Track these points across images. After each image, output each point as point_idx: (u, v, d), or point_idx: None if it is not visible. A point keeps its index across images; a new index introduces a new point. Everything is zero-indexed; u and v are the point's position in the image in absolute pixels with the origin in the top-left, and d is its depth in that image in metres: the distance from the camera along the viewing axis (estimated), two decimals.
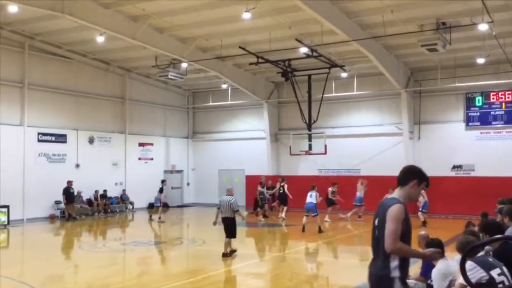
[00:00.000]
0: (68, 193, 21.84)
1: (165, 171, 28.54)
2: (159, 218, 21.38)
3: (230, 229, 12.68)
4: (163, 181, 23.14)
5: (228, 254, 12.71)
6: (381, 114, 24.92)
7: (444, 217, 21.80)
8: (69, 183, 21.96)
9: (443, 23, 17.03)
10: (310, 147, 22.31)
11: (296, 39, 18.47)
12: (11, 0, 15.54)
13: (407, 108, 23.37)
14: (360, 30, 18.06)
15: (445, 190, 22.67)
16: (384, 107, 24.82)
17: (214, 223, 13.23)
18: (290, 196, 21.48)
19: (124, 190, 25.58)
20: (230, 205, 12.62)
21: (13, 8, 16.19)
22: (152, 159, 27.61)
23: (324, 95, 22.72)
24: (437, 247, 6.03)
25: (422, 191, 18.88)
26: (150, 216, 21.98)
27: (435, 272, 6.00)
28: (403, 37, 18.62)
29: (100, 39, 18.87)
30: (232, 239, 12.80)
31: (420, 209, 19.43)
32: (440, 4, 16.05)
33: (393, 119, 24.35)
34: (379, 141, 24.56)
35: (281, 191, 22.03)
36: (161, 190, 22.11)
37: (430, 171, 23.24)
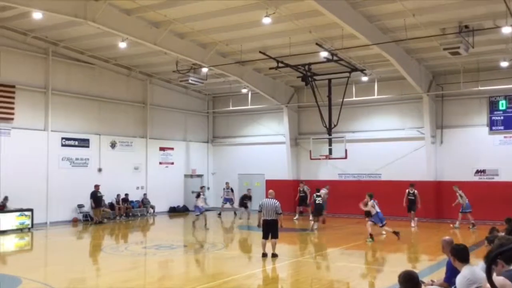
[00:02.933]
0: (95, 197, 22.08)
1: (185, 176, 28.72)
2: (204, 226, 20.30)
3: (274, 231, 13.16)
4: (201, 187, 23.73)
5: (274, 255, 13.07)
6: (403, 118, 24.68)
7: (467, 223, 21.42)
8: (96, 187, 22.21)
9: (466, 26, 16.83)
10: (330, 151, 22.20)
11: (317, 43, 18.44)
12: (35, 7, 15.87)
13: (429, 112, 23.12)
14: (381, 34, 17.95)
15: (468, 195, 22.20)
16: (405, 111, 24.58)
17: (259, 226, 13.53)
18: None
19: (145, 194, 25.81)
20: (276, 208, 13.06)
21: (37, 15, 16.55)
22: (172, 163, 27.81)
23: (345, 99, 22.59)
24: (462, 252, 5.95)
25: (461, 192, 18.56)
26: (193, 222, 20.84)
27: (460, 279, 5.88)
28: (425, 41, 18.46)
29: (122, 45, 19.12)
30: (273, 240, 13.21)
31: (462, 210, 20.00)
32: (462, 7, 15.87)
33: (415, 123, 24.11)
34: (401, 146, 24.33)
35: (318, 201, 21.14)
36: (198, 195, 21.31)
37: (453, 176, 23.28)
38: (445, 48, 17.32)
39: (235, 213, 25.10)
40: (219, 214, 25.38)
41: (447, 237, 7.47)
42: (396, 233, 16.73)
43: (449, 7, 15.80)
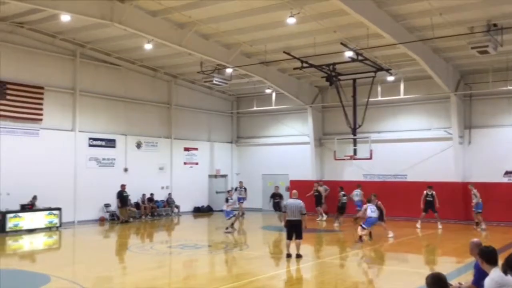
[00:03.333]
0: (122, 196, 22.40)
1: (210, 176, 28.87)
2: (231, 227, 19.35)
3: (298, 231, 13.15)
4: (229, 191, 22.92)
5: (298, 256, 13.05)
6: (429, 118, 24.31)
7: (495, 225, 21.02)
8: (123, 186, 22.52)
9: (494, 25, 16.51)
10: (355, 152, 22.04)
11: (341, 43, 18.31)
12: (63, 10, 16.18)
13: (456, 112, 22.71)
14: (407, 33, 17.73)
15: (497, 196, 21.88)
16: (432, 111, 24.21)
17: (285, 226, 13.52)
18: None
19: (170, 194, 26.04)
20: (300, 208, 13.10)
21: (65, 17, 16.87)
22: (197, 163, 27.99)
23: (370, 99, 22.38)
24: (491, 255, 5.82)
25: (476, 191, 18.74)
26: (227, 228, 19.53)
27: (488, 282, 5.76)
28: (452, 40, 18.16)
29: (148, 46, 19.34)
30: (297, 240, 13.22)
31: (474, 209, 19.99)
32: (491, 5, 15.58)
33: (442, 123, 23.72)
34: (427, 146, 23.98)
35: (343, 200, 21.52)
36: (226, 200, 20.37)
37: (481, 177, 22.85)
38: (473, 47, 16.99)
39: (243, 214, 23.95)
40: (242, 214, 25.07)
41: (475, 239, 7.32)
42: (360, 237, 16.29)
43: (477, 5, 15.52)
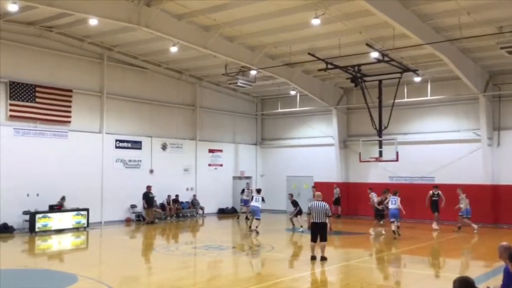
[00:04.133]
0: (147, 197, 22.64)
1: (234, 177, 28.95)
2: (255, 227, 19.50)
3: (323, 233, 13.13)
4: (258, 190, 21.81)
5: (323, 258, 13.04)
6: (458, 119, 23.88)
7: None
8: (149, 188, 22.77)
9: None
10: (380, 153, 21.78)
11: (367, 44, 18.15)
12: (91, 14, 16.47)
13: (485, 113, 22.26)
14: (434, 33, 17.47)
15: None
16: (460, 112, 23.79)
17: (309, 228, 13.53)
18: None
19: (194, 195, 26.20)
20: (326, 210, 13.10)
21: (93, 21, 17.17)
22: (221, 165, 28.11)
23: (396, 101, 22.10)
24: None
25: (464, 196, 19.07)
26: (254, 227, 19.83)
27: None
28: (480, 40, 17.81)
29: (173, 49, 19.51)
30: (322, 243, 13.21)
31: (461, 214, 19.85)
32: None
33: (471, 124, 23.27)
34: (455, 148, 23.55)
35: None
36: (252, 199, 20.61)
37: (511, 179, 22.25)
38: (502, 47, 16.65)
39: (247, 218, 23.26)
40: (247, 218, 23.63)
41: (504, 243, 7.16)
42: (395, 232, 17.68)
43: (506, 4, 15.18)
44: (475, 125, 23.01)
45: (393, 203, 17.89)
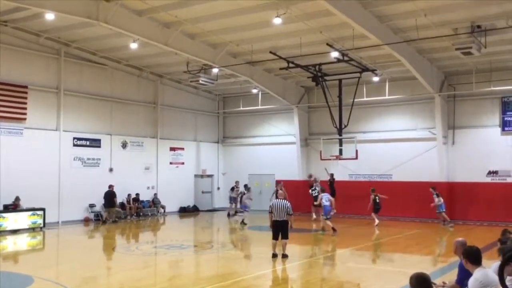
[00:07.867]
0: (110, 196, 22.27)
1: (196, 176, 28.79)
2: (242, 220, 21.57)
3: (284, 231, 13.22)
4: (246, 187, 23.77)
5: (284, 256, 13.11)
6: (414, 118, 24.53)
7: (479, 224, 21.30)
8: (111, 186, 22.40)
9: (478, 26, 16.69)
10: (341, 152, 22.12)
11: (327, 44, 18.40)
12: (48, 8, 16.01)
13: (441, 112, 22.95)
14: (392, 34, 17.86)
15: (480, 196, 22.23)
16: (417, 111, 24.43)
17: (271, 226, 13.47)
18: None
19: (155, 194, 25.90)
20: (287, 209, 13.15)
21: (49, 16, 16.71)
22: (183, 163, 27.89)
23: (355, 100, 22.52)
24: (475, 255, 5.89)
25: (436, 194, 19.64)
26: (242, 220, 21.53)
27: (472, 281, 5.82)
28: (436, 41, 18.34)
29: (134, 45, 19.23)
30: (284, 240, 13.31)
31: (437, 210, 20.95)
32: (475, 7, 15.75)
33: (427, 123, 23.94)
34: (412, 146, 24.18)
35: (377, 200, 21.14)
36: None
37: (465, 177, 23.12)
38: (457, 48, 17.20)
39: (235, 213, 24.78)
40: (234, 214, 25.13)
41: (460, 239, 7.37)
42: (334, 229, 18.38)
43: (461, 6, 15.69)
44: (431, 124, 23.68)
45: (326, 200, 18.90)
